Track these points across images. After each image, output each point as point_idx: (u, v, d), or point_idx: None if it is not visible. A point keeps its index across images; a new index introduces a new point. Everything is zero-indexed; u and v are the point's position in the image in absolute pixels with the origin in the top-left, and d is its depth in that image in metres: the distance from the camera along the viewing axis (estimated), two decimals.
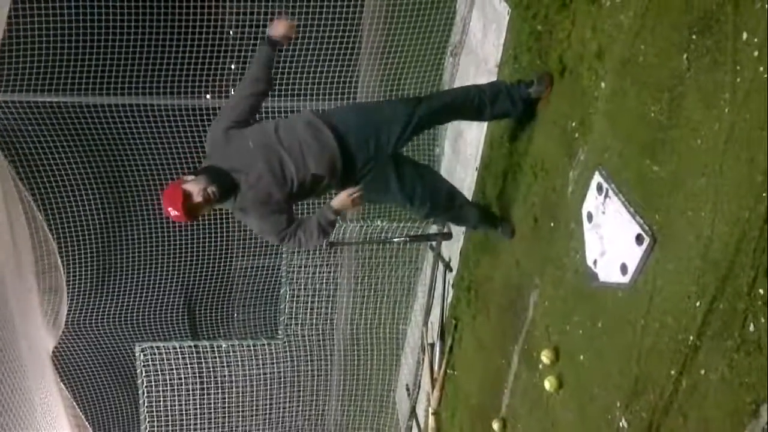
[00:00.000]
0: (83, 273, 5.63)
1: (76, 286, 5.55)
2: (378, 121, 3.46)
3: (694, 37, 2.45)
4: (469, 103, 3.59)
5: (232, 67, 5.17)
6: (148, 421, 6.15)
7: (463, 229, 4.88)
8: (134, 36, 4.80)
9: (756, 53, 2.16)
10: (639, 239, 2.71)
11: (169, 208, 3.08)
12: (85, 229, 5.52)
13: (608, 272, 2.96)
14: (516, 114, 3.72)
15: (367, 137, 3.43)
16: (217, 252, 5.98)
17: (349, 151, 3.40)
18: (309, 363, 6.31)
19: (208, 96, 5.25)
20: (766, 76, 2.11)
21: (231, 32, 5.04)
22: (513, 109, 3.65)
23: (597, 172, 3.02)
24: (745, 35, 2.22)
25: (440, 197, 3.76)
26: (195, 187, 3.07)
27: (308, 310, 5.98)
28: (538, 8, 3.70)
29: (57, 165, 5.21)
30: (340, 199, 3.40)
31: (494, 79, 4.26)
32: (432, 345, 5.35)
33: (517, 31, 3.99)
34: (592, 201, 3.08)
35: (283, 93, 5.17)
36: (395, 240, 5.40)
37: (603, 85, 3.05)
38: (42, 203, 5.14)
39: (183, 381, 5.98)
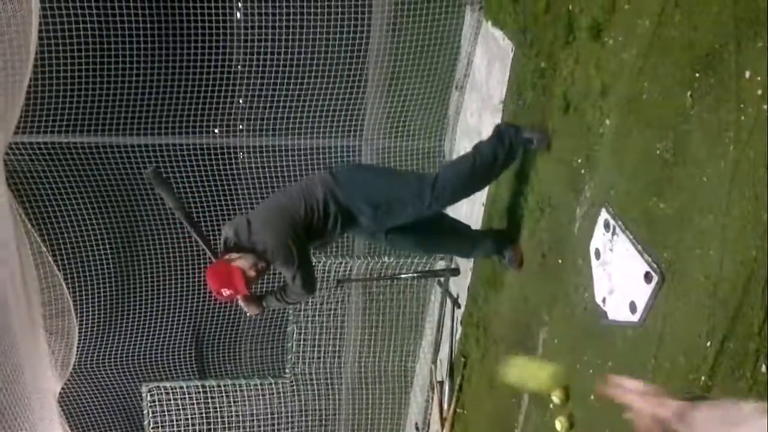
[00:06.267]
0: (90, 314, 5.62)
1: (83, 326, 5.54)
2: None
3: (697, 75, 2.45)
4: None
5: (240, 101, 5.21)
6: None
7: (470, 264, 4.85)
8: (141, 75, 4.85)
9: (760, 91, 2.16)
10: (647, 277, 2.68)
11: (223, 289, 3.27)
12: (93, 270, 5.52)
13: (617, 310, 2.93)
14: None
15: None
16: None
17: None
18: (317, 401, 6.25)
19: (216, 131, 5.27)
20: None
21: (239, 67, 5.09)
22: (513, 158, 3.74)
23: (604, 209, 3.01)
24: (748, 73, 2.22)
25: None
26: (246, 263, 3.29)
27: (315, 348, 5.94)
28: (542, 46, 3.72)
29: (65, 206, 5.23)
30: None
31: (499, 114, 4.30)
32: (441, 383, 5.29)
33: (521, 68, 4.01)
34: (599, 238, 3.06)
35: (289, 130, 5.20)
36: (402, 276, 5.38)
37: (608, 122, 3.06)
38: (51, 244, 5.15)
39: (190, 421, 5.93)
